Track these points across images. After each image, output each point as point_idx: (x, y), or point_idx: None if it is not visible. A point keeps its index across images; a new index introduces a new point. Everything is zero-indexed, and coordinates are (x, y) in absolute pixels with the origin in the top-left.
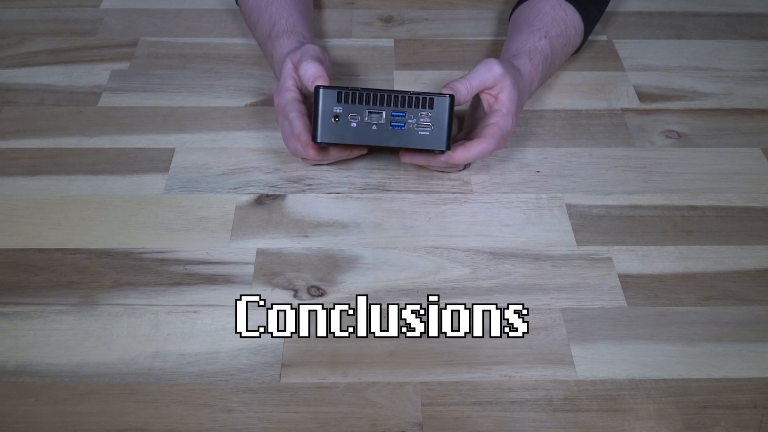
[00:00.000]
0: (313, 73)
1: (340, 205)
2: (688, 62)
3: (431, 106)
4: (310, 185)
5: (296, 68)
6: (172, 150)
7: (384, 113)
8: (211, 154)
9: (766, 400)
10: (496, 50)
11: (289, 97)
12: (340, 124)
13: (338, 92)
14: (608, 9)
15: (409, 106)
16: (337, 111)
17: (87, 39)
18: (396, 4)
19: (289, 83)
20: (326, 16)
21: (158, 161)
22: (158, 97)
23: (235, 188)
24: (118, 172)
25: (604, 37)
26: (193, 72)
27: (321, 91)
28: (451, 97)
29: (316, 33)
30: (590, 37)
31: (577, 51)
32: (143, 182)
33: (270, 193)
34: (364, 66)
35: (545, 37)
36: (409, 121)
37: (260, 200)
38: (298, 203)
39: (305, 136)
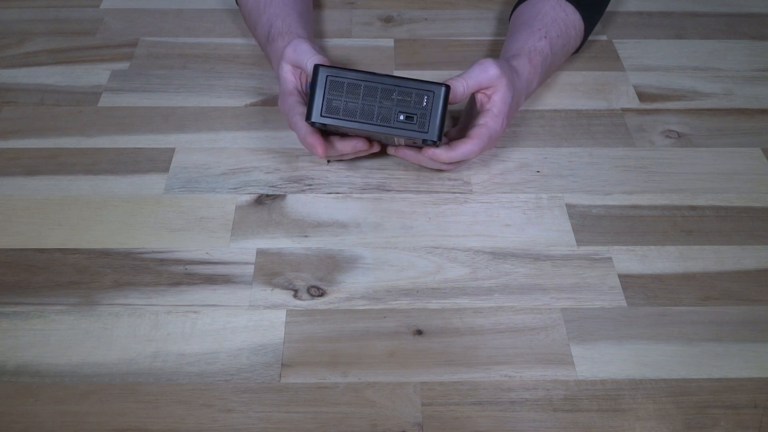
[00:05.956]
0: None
1: (340, 205)
2: (688, 62)
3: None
4: (310, 185)
5: (297, 66)
6: (172, 150)
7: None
8: (211, 154)
9: (766, 400)
10: (496, 50)
11: (290, 101)
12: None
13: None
14: (608, 9)
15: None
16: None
17: (87, 39)
18: (396, 4)
19: (290, 86)
20: (326, 16)
21: (158, 161)
22: (158, 97)
23: (235, 188)
24: (118, 172)
25: (604, 37)
26: (193, 72)
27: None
28: (447, 87)
29: (316, 33)
30: (590, 37)
31: (577, 51)
32: (143, 182)
33: (270, 193)
34: (365, 66)
35: (545, 37)
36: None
37: (260, 200)
38: (298, 203)
39: (315, 145)
